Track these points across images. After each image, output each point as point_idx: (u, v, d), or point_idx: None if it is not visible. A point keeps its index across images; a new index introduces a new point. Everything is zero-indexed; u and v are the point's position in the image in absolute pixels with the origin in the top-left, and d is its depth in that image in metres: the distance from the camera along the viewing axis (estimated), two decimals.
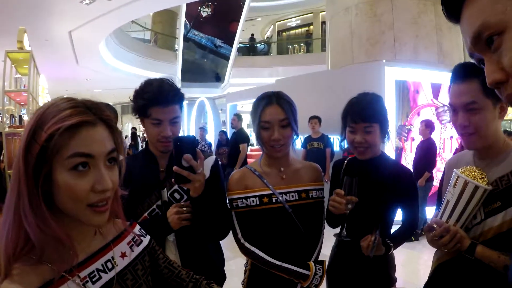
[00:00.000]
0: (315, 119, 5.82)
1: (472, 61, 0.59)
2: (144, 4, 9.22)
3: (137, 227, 1.04)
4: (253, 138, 7.96)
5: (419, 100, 5.82)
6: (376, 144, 1.63)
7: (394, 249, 1.62)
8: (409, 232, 1.72)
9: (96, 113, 0.80)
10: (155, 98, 1.44)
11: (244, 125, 8.08)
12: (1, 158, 6.82)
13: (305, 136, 6.02)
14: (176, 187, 1.53)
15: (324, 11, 10.02)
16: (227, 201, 1.62)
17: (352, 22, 6.60)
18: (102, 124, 0.81)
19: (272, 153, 1.58)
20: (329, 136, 5.89)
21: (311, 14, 21.60)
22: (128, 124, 21.01)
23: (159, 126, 1.48)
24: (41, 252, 0.76)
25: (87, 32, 10.10)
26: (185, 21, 15.68)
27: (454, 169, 1.35)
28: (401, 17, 6.22)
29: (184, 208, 1.44)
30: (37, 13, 8.37)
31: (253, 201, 1.58)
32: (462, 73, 1.27)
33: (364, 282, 1.67)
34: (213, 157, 1.66)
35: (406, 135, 5.77)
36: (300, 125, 1.62)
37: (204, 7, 15.87)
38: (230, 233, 1.61)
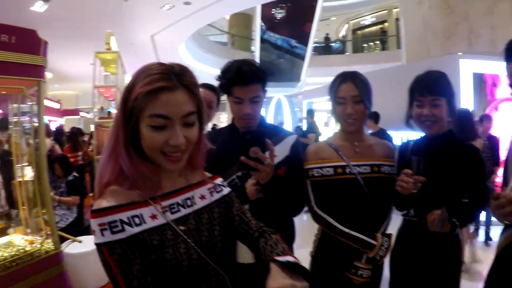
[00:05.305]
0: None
1: None
2: (220, 8, 9.59)
3: (219, 179, 1.16)
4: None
5: (498, 93, 5.43)
6: (443, 119, 1.61)
7: (461, 228, 1.59)
8: (476, 210, 1.67)
9: (179, 79, 0.88)
10: (235, 78, 1.51)
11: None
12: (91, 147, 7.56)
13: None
14: None
15: (398, 8, 9.68)
16: (304, 172, 1.69)
17: (425, 15, 6.34)
18: (182, 89, 0.89)
19: (346, 127, 1.66)
20: (387, 131, 5.31)
21: (385, 11, 20.88)
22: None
23: (240, 104, 1.55)
24: (132, 181, 0.92)
25: (168, 36, 10.81)
26: (260, 23, 16.04)
27: None
28: (476, 7, 5.83)
29: None
30: (121, 20, 9.14)
31: (328, 171, 1.65)
32: None
33: (431, 265, 1.64)
34: (294, 136, 1.70)
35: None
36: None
37: (278, 9, 16.10)
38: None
